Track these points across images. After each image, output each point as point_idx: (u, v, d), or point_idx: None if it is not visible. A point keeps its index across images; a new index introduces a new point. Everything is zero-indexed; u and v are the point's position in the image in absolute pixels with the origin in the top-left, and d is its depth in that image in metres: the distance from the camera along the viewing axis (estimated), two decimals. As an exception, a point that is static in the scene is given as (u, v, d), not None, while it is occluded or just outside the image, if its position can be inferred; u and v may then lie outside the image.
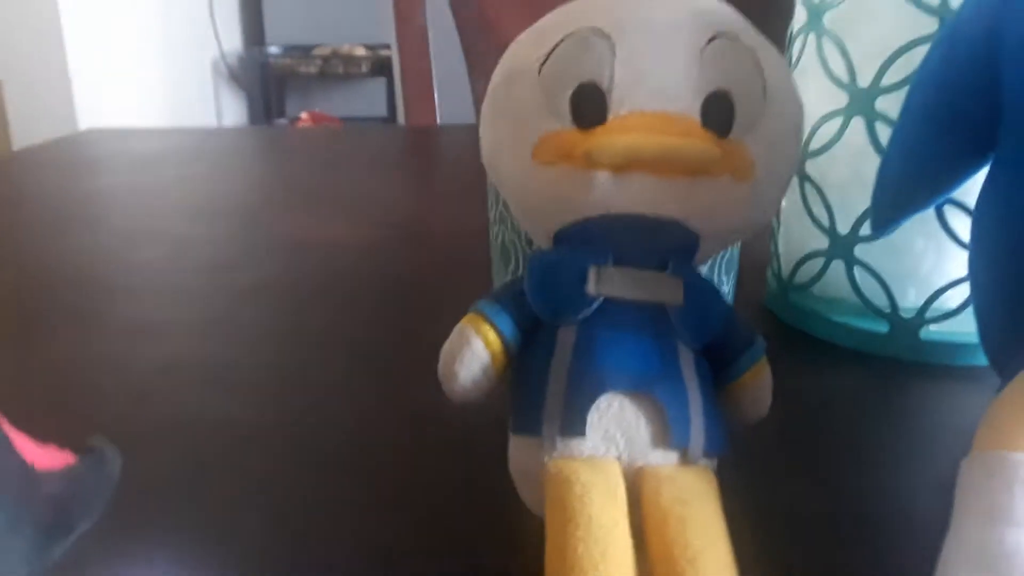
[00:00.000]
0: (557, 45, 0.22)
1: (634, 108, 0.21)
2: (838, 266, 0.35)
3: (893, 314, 0.34)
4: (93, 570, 0.21)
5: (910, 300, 0.34)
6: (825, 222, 0.35)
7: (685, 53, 0.22)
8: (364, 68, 2.96)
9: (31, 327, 0.38)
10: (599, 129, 0.21)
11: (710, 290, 0.23)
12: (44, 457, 0.18)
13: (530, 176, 0.23)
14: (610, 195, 0.22)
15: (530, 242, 0.32)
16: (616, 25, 0.22)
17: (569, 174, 0.22)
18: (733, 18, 0.23)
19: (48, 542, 0.18)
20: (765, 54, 0.23)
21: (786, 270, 0.38)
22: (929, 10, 0.30)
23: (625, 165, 0.21)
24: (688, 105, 0.21)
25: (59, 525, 0.18)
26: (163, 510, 0.24)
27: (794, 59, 0.36)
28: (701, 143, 0.21)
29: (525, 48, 0.24)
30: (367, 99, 3.10)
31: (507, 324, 0.22)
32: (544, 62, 0.22)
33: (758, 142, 0.22)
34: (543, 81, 0.22)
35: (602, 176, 0.21)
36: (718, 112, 0.22)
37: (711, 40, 0.22)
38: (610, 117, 0.21)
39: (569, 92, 0.22)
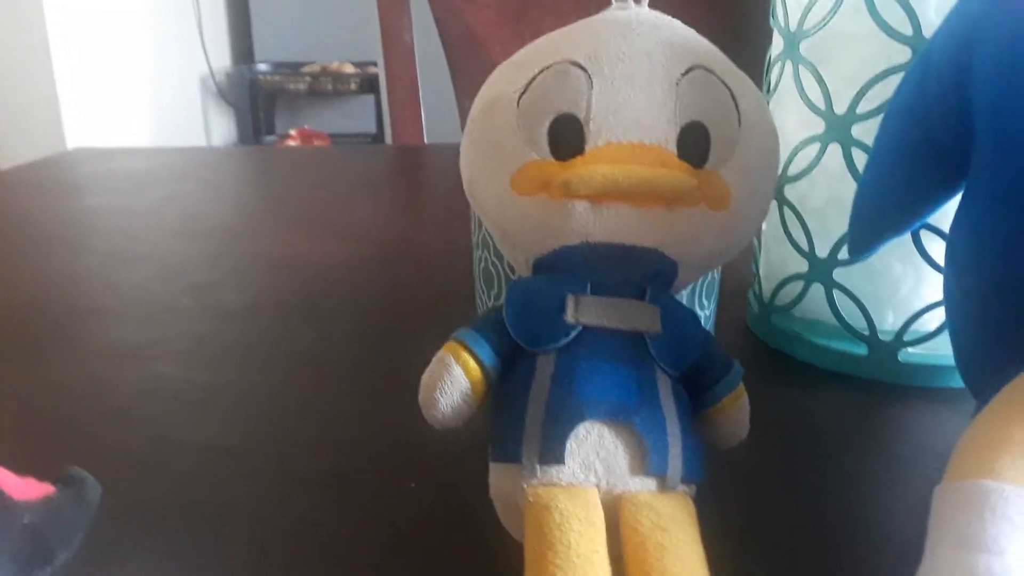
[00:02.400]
0: (535, 77, 0.23)
1: (611, 139, 0.22)
2: (817, 289, 0.35)
3: (872, 336, 0.34)
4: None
5: (888, 323, 0.35)
6: (804, 246, 0.35)
7: (661, 85, 0.22)
8: (353, 85, 2.97)
9: (13, 350, 0.38)
10: (577, 160, 0.22)
11: (688, 317, 0.23)
12: (22, 487, 0.18)
13: (509, 206, 0.23)
14: (588, 224, 0.22)
15: (512, 267, 0.32)
16: (593, 58, 0.22)
17: (548, 204, 0.22)
18: (708, 50, 0.24)
19: (27, 572, 0.18)
20: (740, 85, 0.23)
21: (767, 292, 0.38)
22: (902, 40, 0.30)
23: (602, 195, 0.22)
24: (664, 136, 0.22)
25: (38, 555, 0.18)
26: (144, 535, 0.24)
27: (772, 86, 0.37)
28: (677, 173, 0.22)
29: (503, 80, 0.24)
30: (356, 116, 3.11)
31: (486, 352, 0.22)
32: (522, 94, 0.23)
33: (734, 172, 0.23)
34: (521, 113, 0.23)
35: (580, 206, 0.22)
36: (694, 143, 0.22)
37: (686, 72, 0.23)
38: (587, 148, 0.22)
39: (547, 123, 0.22)
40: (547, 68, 0.23)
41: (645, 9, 0.24)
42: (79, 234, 0.58)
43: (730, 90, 0.23)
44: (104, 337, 0.39)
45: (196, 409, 0.32)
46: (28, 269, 0.50)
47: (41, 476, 0.19)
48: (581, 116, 0.22)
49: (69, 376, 0.35)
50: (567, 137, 0.22)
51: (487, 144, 0.24)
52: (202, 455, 0.29)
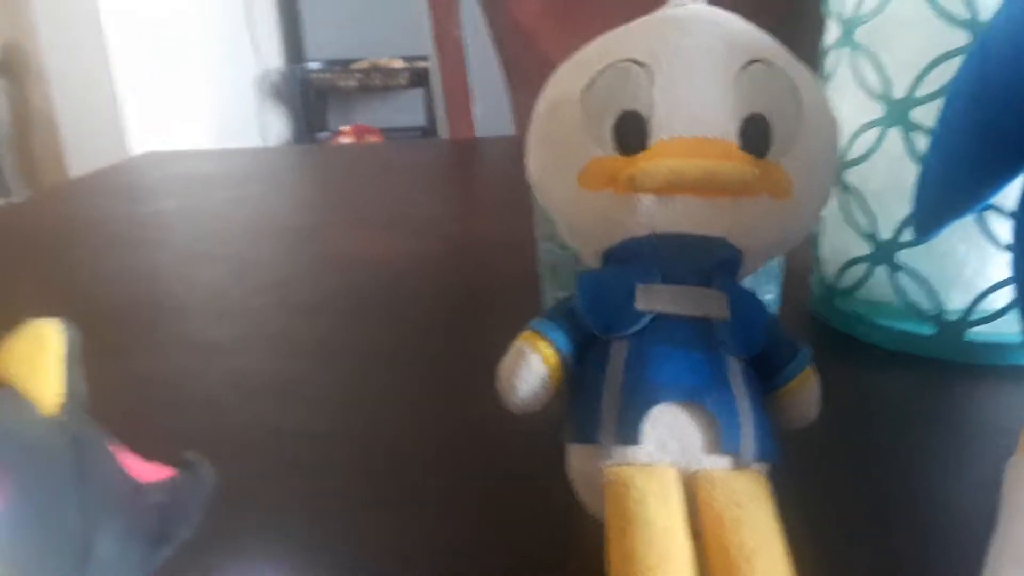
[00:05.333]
0: (597, 76, 0.24)
1: (674, 134, 0.23)
2: (881, 271, 0.35)
3: (938, 317, 0.34)
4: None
5: (955, 302, 0.35)
6: (867, 229, 0.35)
7: (721, 79, 0.23)
8: (402, 80, 3.00)
9: (103, 345, 0.40)
10: (641, 155, 0.23)
11: (754, 303, 0.24)
12: (147, 471, 0.20)
13: (578, 201, 0.24)
14: (655, 216, 0.23)
15: (576, 257, 0.33)
16: (653, 55, 0.23)
17: (615, 198, 0.23)
18: (766, 42, 0.24)
19: (154, 550, 0.19)
20: (799, 76, 0.24)
21: (830, 276, 0.38)
22: (959, 23, 0.30)
23: (667, 188, 0.23)
24: (725, 129, 0.23)
25: (163, 534, 0.20)
26: (248, 516, 0.26)
27: (828, 72, 0.37)
28: (739, 165, 0.22)
29: (567, 79, 0.25)
30: (406, 110, 3.15)
31: (562, 340, 0.23)
32: (586, 92, 0.24)
33: (795, 161, 0.23)
34: (586, 111, 0.24)
35: (646, 199, 0.23)
36: (755, 134, 0.23)
37: (745, 65, 0.23)
38: (651, 143, 0.23)
39: (611, 121, 0.23)
40: (609, 66, 0.24)
41: (703, 5, 0.25)
42: (155, 236, 0.61)
43: (790, 82, 0.24)
44: (186, 333, 0.42)
45: (282, 399, 0.34)
46: (111, 270, 0.53)
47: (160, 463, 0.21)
48: (644, 112, 0.23)
49: (163, 369, 0.37)
50: (631, 133, 0.23)
51: (554, 142, 0.25)
52: (295, 441, 0.31)
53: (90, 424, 0.18)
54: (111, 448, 0.19)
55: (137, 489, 0.19)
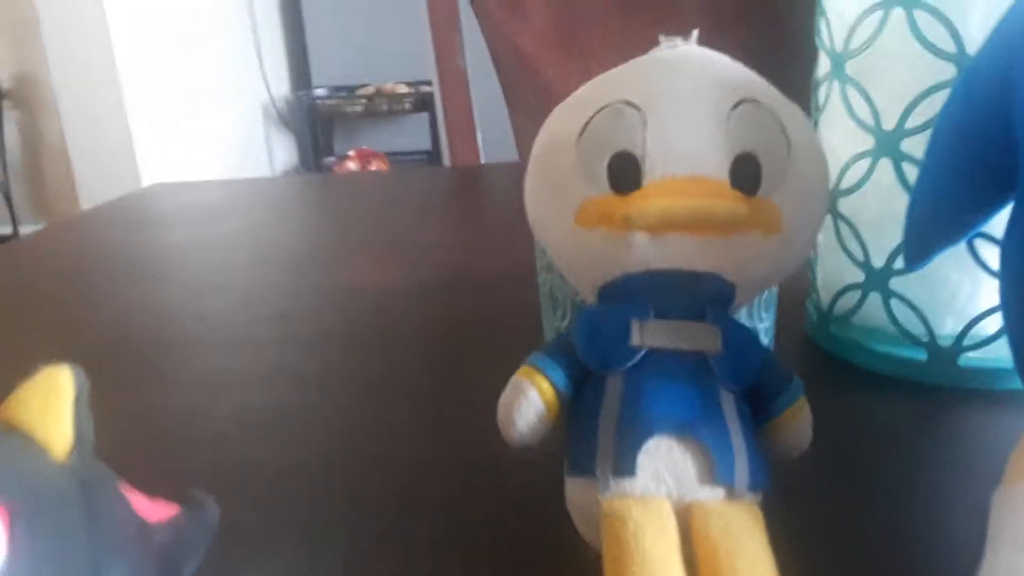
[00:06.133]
0: (592, 117, 0.24)
1: (666, 173, 0.23)
2: (875, 298, 0.36)
3: (931, 343, 0.35)
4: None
5: (947, 328, 0.35)
6: (860, 256, 0.36)
7: (712, 119, 0.24)
8: (407, 104, 3.03)
9: (111, 379, 0.41)
10: (635, 194, 0.23)
11: (747, 336, 0.24)
12: (154, 510, 0.21)
13: (574, 238, 0.25)
14: (649, 254, 0.24)
15: (576, 290, 0.34)
16: (646, 97, 0.24)
17: (610, 236, 0.24)
18: (755, 82, 0.25)
19: (161, 587, 0.20)
20: (788, 115, 0.25)
21: (825, 302, 0.39)
22: (946, 57, 0.31)
23: (661, 227, 0.23)
24: (717, 168, 0.23)
25: (169, 571, 0.20)
26: (252, 550, 0.26)
27: (820, 104, 0.38)
28: (730, 203, 0.23)
29: (563, 120, 0.26)
30: (411, 134, 3.17)
31: (559, 375, 0.24)
32: (581, 134, 0.25)
33: (785, 198, 0.24)
34: (581, 151, 0.24)
35: (640, 237, 0.23)
36: (746, 173, 0.24)
37: (735, 106, 0.24)
38: (645, 182, 0.23)
39: (606, 161, 0.24)
40: (603, 108, 0.24)
41: (693, 47, 0.26)
42: (162, 267, 0.62)
43: (779, 120, 0.24)
44: (194, 366, 0.42)
45: (282, 432, 0.35)
46: (119, 302, 0.53)
47: (166, 501, 0.22)
48: (637, 153, 0.24)
49: (167, 404, 0.38)
50: (625, 173, 0.24)
51: (550, 182, 0.26)
52: (293, 476, 0.31)
53: (99, 467, 0.18)
54: (120, 489, 0.19)
55: (144, 529, 0.20)
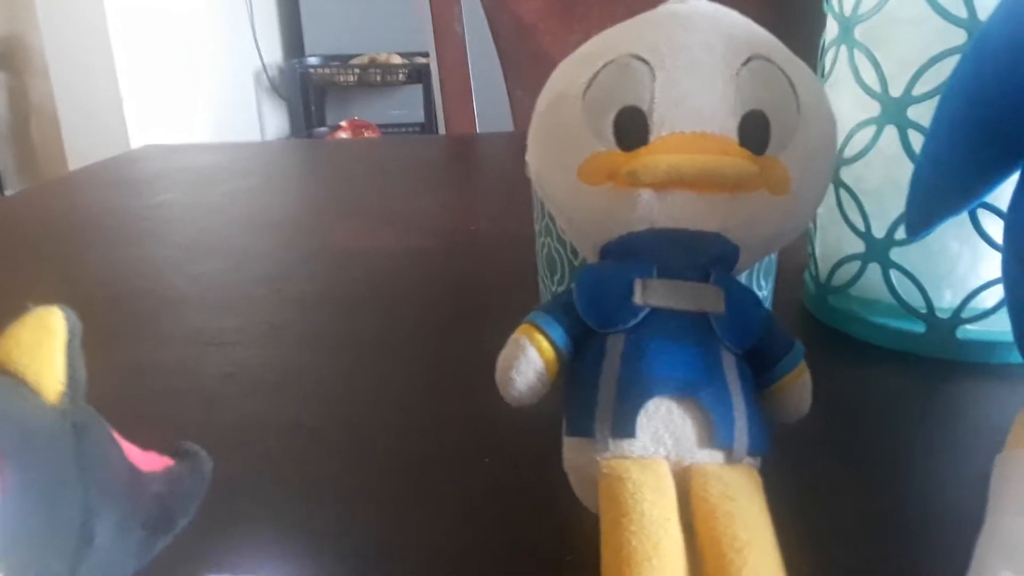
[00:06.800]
0: (599, 71, 0.24)
1: (674, 129, 0.23)
2: (874, 269, 0.36)
3: (930, 314, 0.35)
4: (186, 568, 0.23)
5: (946, 301, 0.35)
6: (860, 226, 0.36)
7: (721, 76, 0.23)
8: (401, 76, 3.00)
9: (103, 335, 0.40)
10: (641, 150, 0.23)
11: (750, 298, 0.24)
12: (147, 460, 0.20)
13: (577, 195, 0.24)
14: (653, 211, 0.23)
15: (575, 252, 0.34)
16: (654, 51, 0.24)
17: (614, 193, 0.23)
18: (766, 40, 0.25)
19: (152, 538, 0.20)
20: (797, 73, 0.24)
21: (823, 273, 0.39)
22: (957, 22, 0.31)
23: (667, 183, 0.23)
24: (725, 125, 0.23)
25: (163, 522, 0.20)
26: (244, 506, 0.26)
27: (827, 70, 0.37)
28: (738, 161, 0.23)
29: (568, 74, 0.25)
30: (404, 106, 3.14)
31: (559, 333, 0.24)
32: (587, 88, 0.24)
33: (793, 157, 0.24)
34: (587, 106, 0.24)
35: (645, 194, 0.23)
36: (754, 130, 0.23)
37: (745, 62, 0.23)
38: (651, 139, 0.23)
39: (612, 116, 0.23)
40: (610, 62, 0.24)
41: (703, 1, 0.25)
42: (155, 228, 0.61)
43: (789, 78, 0.24)
44: (185, 324, 0.42)
45: (276, 391, 0.34)
46: (111, 261, 0.53)
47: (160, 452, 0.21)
48: (645, 108, 0.23)
49: (157, 360, 0.38)
50: (632, 128, 0.23)
51: (554, 137, 0.25)
52: (288, 433, 0.31)
53: (91, 411, 0.18)
54: (113, 435, 0.19)
55: (137, 476, 0.19)
